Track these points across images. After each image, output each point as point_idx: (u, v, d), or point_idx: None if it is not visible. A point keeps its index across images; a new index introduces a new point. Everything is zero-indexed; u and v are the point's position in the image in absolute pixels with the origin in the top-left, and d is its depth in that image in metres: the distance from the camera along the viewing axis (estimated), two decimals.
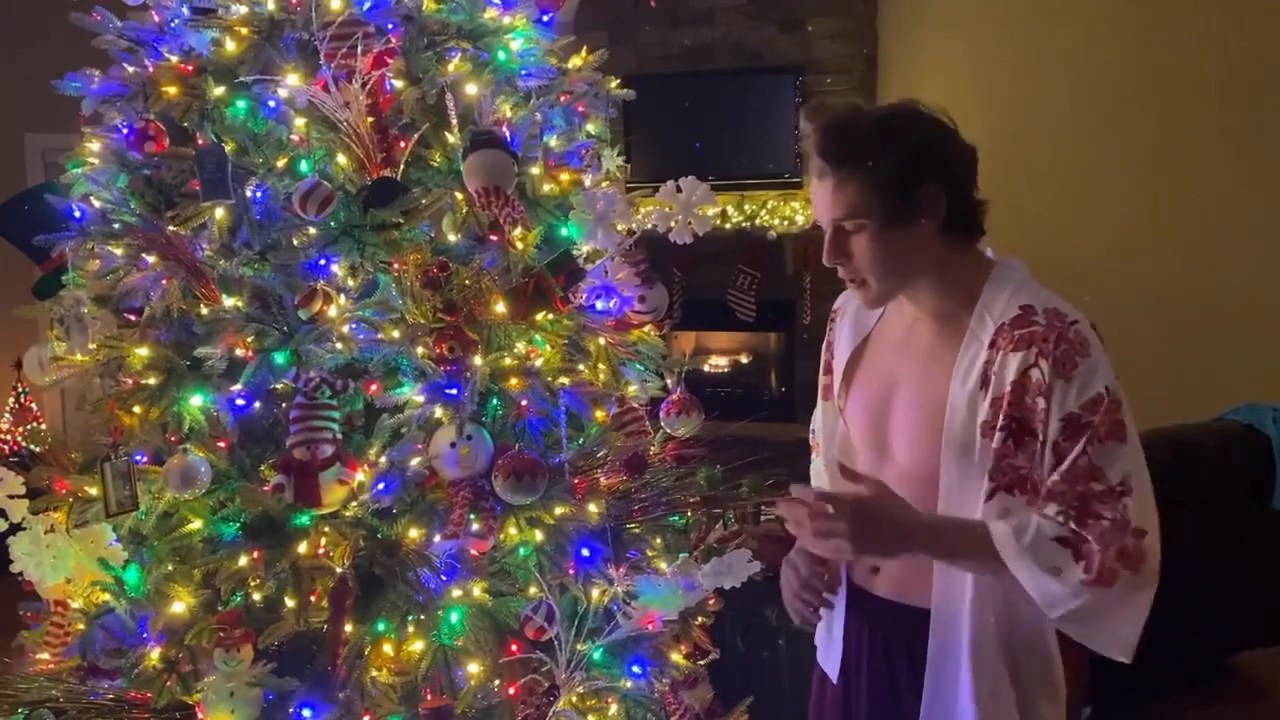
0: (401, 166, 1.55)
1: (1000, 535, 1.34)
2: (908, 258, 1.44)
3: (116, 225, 1.60)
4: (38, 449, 1.62)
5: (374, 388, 1.53)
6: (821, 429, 1.71)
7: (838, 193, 1.40)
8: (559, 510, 1.52)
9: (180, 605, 1.51)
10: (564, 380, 1.60)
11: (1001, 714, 1.42)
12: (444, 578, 1.50)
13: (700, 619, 1.79)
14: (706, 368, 5.66)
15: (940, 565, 1.44)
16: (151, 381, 1.55)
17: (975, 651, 1.42)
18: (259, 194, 1.56)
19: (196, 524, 1.54)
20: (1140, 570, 1.31)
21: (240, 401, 1.54)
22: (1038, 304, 1.40)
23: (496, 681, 1.52)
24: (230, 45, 1.59)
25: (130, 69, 1.65)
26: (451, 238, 1.61)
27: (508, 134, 1.61)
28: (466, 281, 1.49)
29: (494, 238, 1.58)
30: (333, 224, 1.53)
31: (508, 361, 1.55)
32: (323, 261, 1.56)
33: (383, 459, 1.50)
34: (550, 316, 1.55)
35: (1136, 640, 1.34)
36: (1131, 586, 1.31)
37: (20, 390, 5.20)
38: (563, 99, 1.80)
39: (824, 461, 1.71)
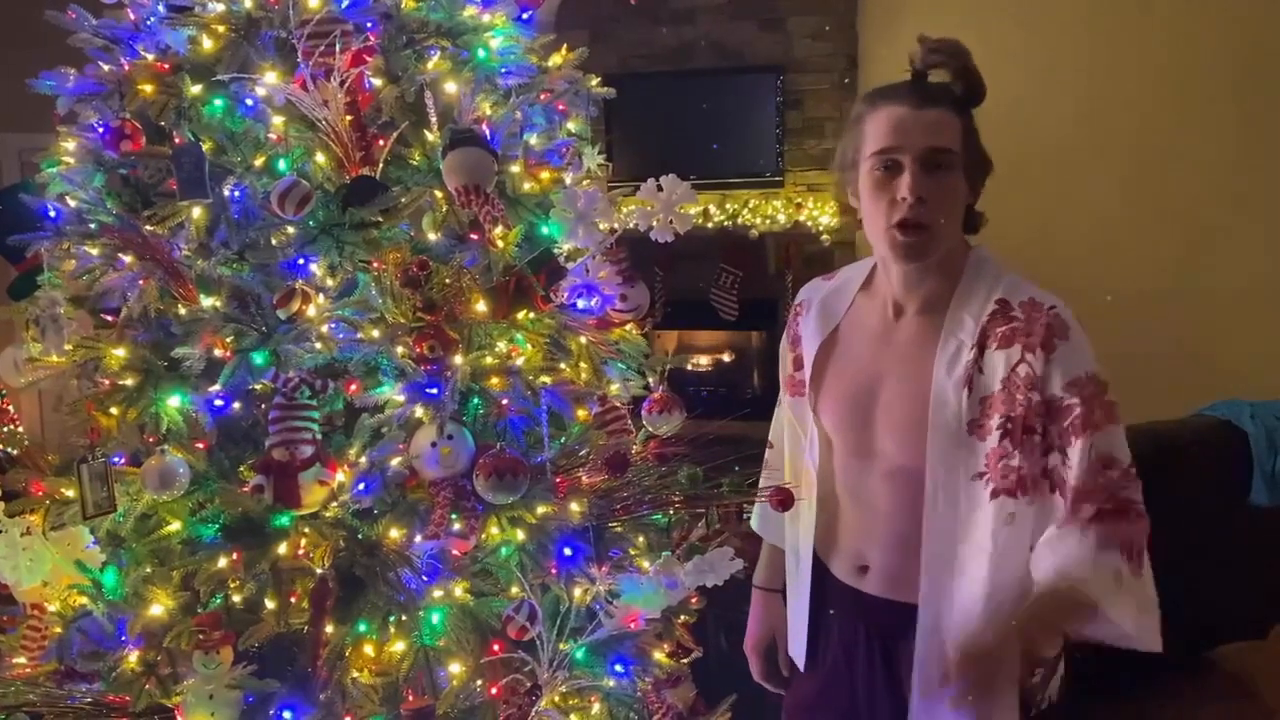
0: (380, 165, 1.54)
1: (1068, 579, 1.34)
2: (959, 214, 1.48)
3: (93, 225, 1.58)
4: (14, 451, 1.61)
5: (354, 387, 1.52)
6: (788, 427, 1.71)
7: (945, 126, 1.44)
8: (541, 509, 1.52)
9: (159, 608, 1.50)
10: (545, 379, 1.59)
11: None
12: (425, 578, 1.49)
13: (683, 617, 1.78)
14: (689, 366, 5.68)
15: (926, 563, 1.44)
16: (129, 382, 1.53)
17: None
18: (237, 193, 1.55)
19: (175, 526, 1.52)
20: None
21: (219, 402, 1.53)
22: (1013, 298, 1.42)
23: (478, 682, 1.52)
24: (207, 43, 1.57)
25: (106, 67, 1.64)
26: (431, 236, 1.61)
27: (487, 132, 1.60)
28: (447, 280, 1.48)
29: (474, 236, 1.57)
30: (311, 223, 1.52)
31: (489, 360, 1.54)
32: (301, 260, 1.55)
33: (363, 459, 1.49)
34: (531, 315, 1.55)
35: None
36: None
37: None
38: (543, 97, 1.79)
39: (791, 459, 1.70)
